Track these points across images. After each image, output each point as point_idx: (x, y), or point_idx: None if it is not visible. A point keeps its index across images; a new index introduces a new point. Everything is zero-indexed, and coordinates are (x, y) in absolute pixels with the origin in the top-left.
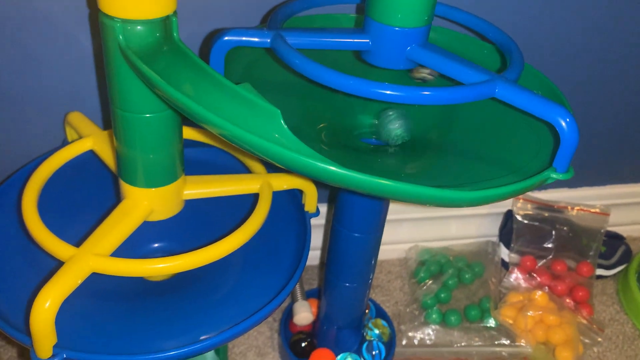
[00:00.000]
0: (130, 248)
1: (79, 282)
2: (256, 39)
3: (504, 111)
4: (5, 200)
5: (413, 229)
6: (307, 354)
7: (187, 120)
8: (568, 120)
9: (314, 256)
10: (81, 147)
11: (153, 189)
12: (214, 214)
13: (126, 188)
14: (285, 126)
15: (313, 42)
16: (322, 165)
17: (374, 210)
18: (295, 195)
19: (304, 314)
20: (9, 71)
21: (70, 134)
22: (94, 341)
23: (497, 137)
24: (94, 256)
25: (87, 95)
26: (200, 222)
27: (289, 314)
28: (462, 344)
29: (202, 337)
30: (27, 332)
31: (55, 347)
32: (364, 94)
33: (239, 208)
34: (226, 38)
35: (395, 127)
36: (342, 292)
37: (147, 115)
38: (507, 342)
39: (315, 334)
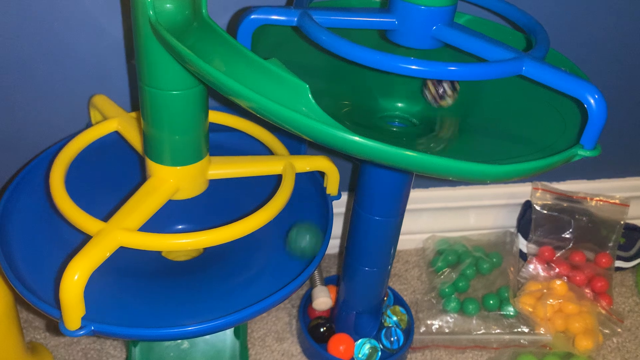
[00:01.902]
0: (154, 229)
1: (107, 255)
2: (283, 18)
3: (528, 92)
4: (31, 180)
5: (431, 219)
6: (325, 339)
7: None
8: (596, 96)
9: (333, 244)
10: (107, 128)
11: (179, 167)
12: (236, 198)
13: (152, 166)
14: (313, 100)
15: (339, 21)
16: (349, 136)
17: (395, 194)
18: (317, 178)
19: (323, 299)
20: (37, 54)
21: (95, 116)
22: (119, 316)
23: (522, 118)
24: (122, 230)
25: (111, 79)
26: (223, 205)
27: (307, 299)
28: (481, 331)
29: (221, 315)
30: (56, 305)
31: (83, 319)
32: (390, 68)
33: (260, 193)
34: (253, 16)
35: (304, 242)
36: (362, 277)
37: (175, 92)
38: (526, 329)
39: (334, 320)
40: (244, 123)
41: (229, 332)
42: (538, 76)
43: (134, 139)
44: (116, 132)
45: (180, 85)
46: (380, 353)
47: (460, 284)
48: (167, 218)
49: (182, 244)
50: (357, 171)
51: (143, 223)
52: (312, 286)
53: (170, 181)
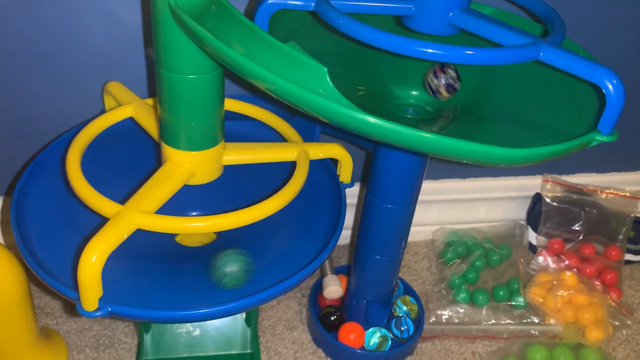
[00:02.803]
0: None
1: (125, 237)
2: (300, 2)
3: (542, 80)
4: (47, 165)
5: (440, 211)
6: (336, 328)
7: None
8: (615, 82)
9: (344, 235)
10: (122, 114)
11: (194, 152)
12: (249, 185)
13: (168, 151)
14: (331, 83)
15: (356, 7)
16: (366, 117)
17: (407, 182)
18: (330, 166)
19: (334, 287)
20: (52, 41)
21: (109, 103)
22: (134, 298)
23: (536, 105)
24: (139, 213)
25: (126, 67)
26: (236, 192)
27: (318, 288)
28: (491, 322)
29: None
30: (74, 287)
31: (100, 300)
32: (407, 52)
33: (273, 182)
34: (270, 1)
35: (230, 270)
36: (373, 266)
37: (192, 76)
38: (536, 320)
39: (344, 309)
40: (258, 111)
41: (241, 320)
42: (556, 61)
43: (149, 124)
44: (130, 119)
45: (198, 70)
46: (390, 342)
47: (470, 275)
48: (181, 205)
49: (198, 227)
50: (369, 161)
51: (159, 206)
52: (323, 275)
53: (186, 166)
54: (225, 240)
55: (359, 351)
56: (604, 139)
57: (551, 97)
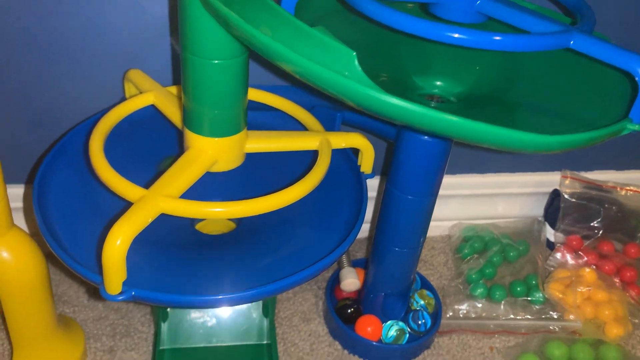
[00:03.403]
0: None
1: (149, 220)
2: None
3: (567, 70)
4: (67, 153)
5: (457, 206)
6: (352, 321)
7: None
8: None
9: (363, 228)
10: (144, 101)
11: (218, 139)
12: (270, 177)
13: (191, 137)
14: (360, 68)
15: None
16: (396, 101)
17: (429, 173)
18: (351, 157)
19: (351, 280)
20: (73, 29)
21: (129, 91)
22: (155, 284)
23: (563, 95)
24: (164, 197)
25: (147, 56)
26: (256, 183)
27: (334, 281)
28: (509, 317)
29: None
30: (97, 271)
31: (123, 284)
32: (435, 37)
33: (293, 174)
34: None
35: None
36: (392, 258)
37: (217, 61)
38: (555, 316)
39: (362, 301)
40: (278, 100)
41: (258, 311)
42: (587, 49)
43: (170, 112)
44: (149, 108)
45: (224, 55)
46: (407, 335)
47: (487, 271)
48: (202, 193)
49: (220, 212)
50: (389, 154)
51: (183, 192)
52: (340, 268)
53: (209, 152)
54: (244, 229)
55: (376, 344)
56: (636, 127)
57: (577, 87)
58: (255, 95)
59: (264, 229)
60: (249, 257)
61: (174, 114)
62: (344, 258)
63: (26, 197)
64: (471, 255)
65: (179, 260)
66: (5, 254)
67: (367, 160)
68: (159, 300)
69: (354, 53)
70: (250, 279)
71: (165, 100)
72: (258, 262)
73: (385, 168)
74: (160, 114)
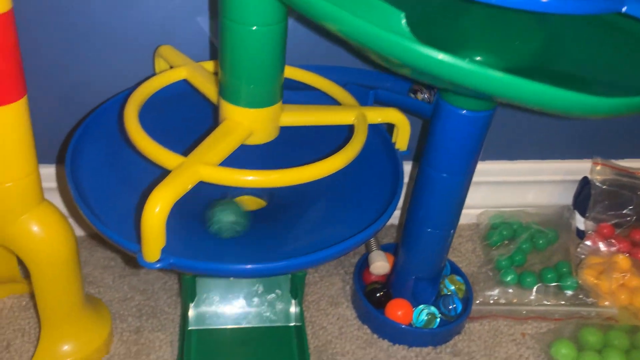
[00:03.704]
0: None
1: (189, 187)
2: None
3: (613, 41)
4: (98, 126)
5: (485, 194)
6: (382, 305)
7: None
8: None
9: (393, 215)
10: (177, 75)
11: (254, 110)
12: (304, 154)
13: (227, 108)
14: (407, 27)
15: None
16: (442, 56)
17: (465, 148)
18: (385, 135)
19: (381, 263)
20: (105, 2)
21: (159, 67)
22: (191, 253)
23: (608, 66)
24: (203, 164)
25: (177, 32)
26: (291, 160)
27: (362, 265)
28: (543, 302)
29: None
30: (135, 239)
31: (162, 251)
32: None
33: (327, 151)
34: None
35: (227, 219)
36: (424, 239)
37: (255, 27)
38: (589, 301)
39: (391, 285)
40: (312, 76)
41: (286, 292)
42: None
43: (204, 86)
44: (178, 87)
45: (263, 20)
46: (438, 320)
47: (517, 258)
48: (237, 165)
49: (260, 181)
50: (424, 133)
51: (221, 161)
52: (369, 251)
53: (245, 124)
54: (274, 207)
55: (407, 327)
56: None
57: (623, 58)
58: (289, 72)
59: (295, 207)
60: (280, 231)
61: (207, 88)
62: (373, 241)
63: (59, 178)
64: (500, 242)
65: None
66: (35, 228)
67: (402, 136)
68: (196, 268)
69: (402, 13)
70: (278, 250)
71: (198, 74)
72: (290, 235)
73: (417, 154)
74: (189, 93)
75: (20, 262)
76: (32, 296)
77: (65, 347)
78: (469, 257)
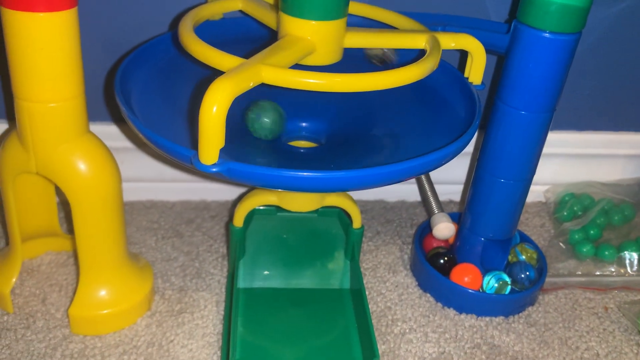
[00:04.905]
0: None
1: (250, 85)
2: None
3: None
4: (148, 56)
5: (551, 168)
6: (446, 271)
7: None
8: None
9: (452, 190)
10: (231, 5)
11: (317, 22)
12: (364, 105)
13: (288, 22)
14: None
15: None
16: None
17: (547, 81)
18: (456, 71)
19: (446, 224)
20: None
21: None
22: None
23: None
24: (266, 65)
25: None
26: (350, 110)
27: (423, 231)
28: (628, 272)
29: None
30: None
31: (220, 152)
32: None
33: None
34: None
35: (266, 121)
36: (496, 191)
37: None
38: None
39: (456, 251)
40: (375, 10)
41: (341, 254)
42: None
43: (260, 13)
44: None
45: None
46: (509, 288)
47: (592, 232)
48: (290, 113)
49: (325, 84)
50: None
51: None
52: (430, 214)
53: (307, 38)
54: (333, 143)
55: (477, 293)
56: None
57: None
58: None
59: (357, 144)
60: (351, 158)
61: (263, 15)
62: (435, 204)
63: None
64: (571, 218)
65: (271, 154)
66: (78, 158)
67: (477, 67)
68: (254, 175)
69: None
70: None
71: (253, 3)
72: (361, 161)
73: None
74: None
75: (63, 216)
76: (71, 255)
77: (105, 295)
78: (538, 232)
